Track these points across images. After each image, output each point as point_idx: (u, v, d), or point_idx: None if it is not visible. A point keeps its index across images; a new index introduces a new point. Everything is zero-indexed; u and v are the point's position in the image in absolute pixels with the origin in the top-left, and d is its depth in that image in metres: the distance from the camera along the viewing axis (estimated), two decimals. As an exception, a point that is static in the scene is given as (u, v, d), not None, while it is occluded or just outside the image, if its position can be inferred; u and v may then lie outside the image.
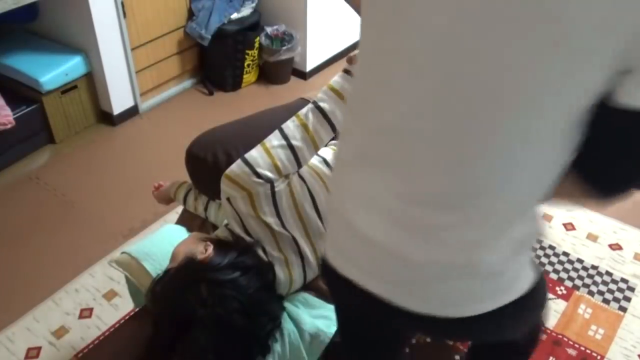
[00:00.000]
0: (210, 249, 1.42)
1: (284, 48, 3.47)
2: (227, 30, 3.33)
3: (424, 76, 0.78)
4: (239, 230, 1.46)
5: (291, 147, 1.40)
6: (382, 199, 0.89)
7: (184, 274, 1.39)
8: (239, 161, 1.41)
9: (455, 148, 0.80)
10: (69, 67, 2.96)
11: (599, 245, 2.55)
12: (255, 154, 1.41)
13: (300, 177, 1.50)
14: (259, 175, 1.38)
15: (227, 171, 1.42)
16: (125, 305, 2.23)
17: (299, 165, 1.43)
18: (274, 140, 1.42)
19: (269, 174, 1.39)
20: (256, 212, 1.41)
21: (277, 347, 1.41)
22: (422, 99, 0.79)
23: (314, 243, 1.49)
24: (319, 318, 1.45)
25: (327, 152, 1.61)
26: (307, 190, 1.50)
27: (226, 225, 1.55)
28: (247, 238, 1.45)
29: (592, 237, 2.59)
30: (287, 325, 1.44)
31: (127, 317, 2.17)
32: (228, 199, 1.43)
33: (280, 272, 1.45)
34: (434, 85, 0.78)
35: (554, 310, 2.26)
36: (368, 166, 0.89)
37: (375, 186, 0.89)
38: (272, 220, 1.43)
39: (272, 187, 1.41)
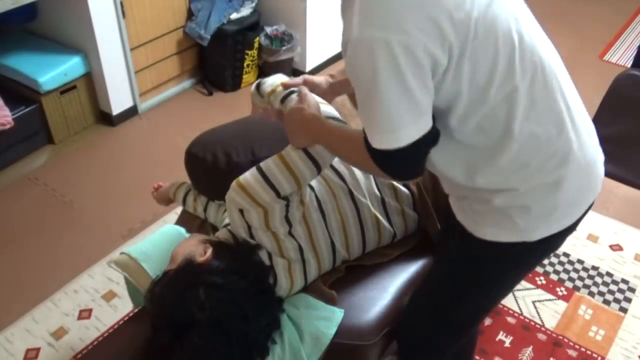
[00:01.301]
0: (210, 251, 1.41)
1: (284, 48, 3.47)
2: (226, 31, 3.33)
3: None
4: (244, 235, 1.45)
5: (314, 161, 1.37)
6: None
7: (182, 276, 1.39)
8: (259, 178, 1.36)
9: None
10: (68, 68, 2.96)
11: (600, 245, 2.55)
12: (277, 174, 1.36)
13: (309, 185, 1.50)
14: (280, 196, 1.36)
15: (244, 183, 1.37)
16: (124, 306, 2.22)
17: (319, 173, 1.41)
18: (297, 159, 1.37)
19: (290, 192, 1.37)
20: (268, 226, 1.41)
21: (277, 348, 1.40)
22: None
23: (316, 248, 1.49)
24: (318, 319, 1.45)
25: None
26: (314, 197, 1.50)
27: (226, 226, 1.55)
28: (250, 241, 1.44)
29: (592, 238, 2.59)
30: (287, 326, 1.43)
31: (126, 318, 2.16)
32: (240, 211, 1.40)
33: (282, 277, 1.44)
34: None
35: (554, 311, 2.25)
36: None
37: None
38: (281, 230, 1.42)
39: (288, 204, 1.40)
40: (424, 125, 1.05)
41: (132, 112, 3.30)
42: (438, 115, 1.09)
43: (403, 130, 1.03)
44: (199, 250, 1.42)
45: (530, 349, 2.12)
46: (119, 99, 3.19)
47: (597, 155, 1.23)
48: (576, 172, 1.17)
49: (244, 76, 3.58)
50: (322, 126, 1.31)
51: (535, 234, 1.21)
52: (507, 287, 1.41)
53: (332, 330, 1.43)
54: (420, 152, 1.11)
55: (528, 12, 1.15)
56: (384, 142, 1.06)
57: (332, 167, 1.58)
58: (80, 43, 3.00)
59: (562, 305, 2.27)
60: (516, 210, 1.18)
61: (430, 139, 1.08)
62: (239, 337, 1.32)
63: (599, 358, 2.10)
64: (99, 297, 2.28)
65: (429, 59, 0.99)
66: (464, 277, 1.34)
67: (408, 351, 1.59)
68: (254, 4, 3.48)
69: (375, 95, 1.01)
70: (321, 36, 3.64)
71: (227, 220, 1.58)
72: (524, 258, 1.30)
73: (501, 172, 1.14)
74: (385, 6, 0.97)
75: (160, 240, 1.72)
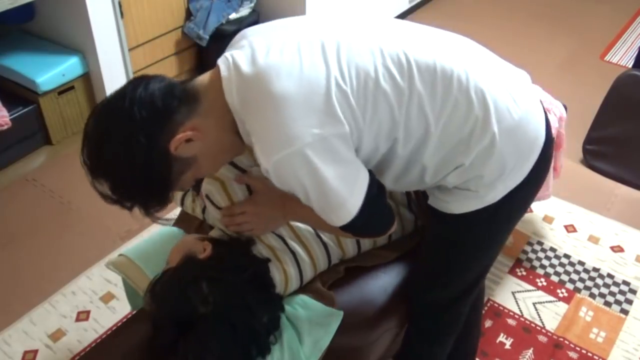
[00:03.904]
0: (209, 248, 1.41)
1: (283, 48, 3.45)
2: (225, 31, 3.32)
3: None
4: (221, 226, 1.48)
5: None
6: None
7: (184, 272, 1.38)
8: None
9: None
10: (65, 68, 2.94)
11: (601, 247, 2.54)
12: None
13: None
14: (235, 166, 1.43)
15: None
16: (122, 308, 2.21)
17: None
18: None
19: (246, 163, 1.44)
20: (231, 200, 1.43)
21: (275, 351, 1.39)
22: None
23: (300, 236, 1.48)
24: (317, 321, 1.44)
25: None
26: None
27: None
28: (241, 236, 1.45)
29: (593, 239, 2.58)
30: (286, 328, 1.42)
31: (124, 320, 2.15)
32: (208, 197, 1.45)
33: (275, 272, 1.44)
34: None
35: (555, 313, 2.24)
36: None
37: None
38: None
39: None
40: (362, 183, 1.16)
41: (130, 112, 3.29)
42: (372, 153, 1.19)
43: (348, 200, 1.14)
44: (199, 247, 1.43)
45: (530, 351, 2.11)
46: (117, 100, 3.18)
47: (529, 109, 1.25)
48: (506, 128, 1.20)
49: (243, 76, 3.57)
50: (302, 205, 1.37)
51: (497, 195, 1.28)
52: (494, 247, 1.48)
53: (332, 332, 1.42)
54: (379, 203, 1.22)
55: (396, 28, 1.21)
56: (341, 218, 1.18)
57: None
58: (78, 43, 2.99)
59: (562, 307, 2.26)
60: (471, 182, 1.26)
61: (375, 186, 1.19)
62: (244, 329, 1.32)
63: (600, 360, 2.09)
64: (97, 299, 2.27)
65: (336, 139, 1.09)
66: (451, 250, 1.43)
67: (416, 329, 1.65)
68: (252, 4, 3.47)
69: (310, 195, 1.13)
70: (320, 36, 3.63)
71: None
72: (496, 218, 1.36)
73: (441, 162, 1.23)
74: (274, 130, 1.08)
75: (159, 241, 1.72)
